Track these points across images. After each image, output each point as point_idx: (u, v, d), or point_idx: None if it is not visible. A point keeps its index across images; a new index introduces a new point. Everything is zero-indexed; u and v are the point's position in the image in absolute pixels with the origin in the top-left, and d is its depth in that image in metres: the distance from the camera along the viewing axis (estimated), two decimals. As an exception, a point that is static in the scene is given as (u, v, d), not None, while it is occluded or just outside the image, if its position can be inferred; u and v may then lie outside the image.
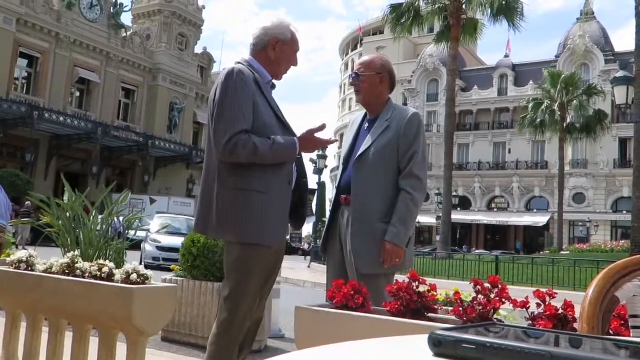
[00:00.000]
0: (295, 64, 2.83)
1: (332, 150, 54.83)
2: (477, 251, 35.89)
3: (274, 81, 2.82)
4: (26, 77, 36.59)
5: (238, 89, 2.57)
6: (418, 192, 2.90)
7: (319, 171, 26.31)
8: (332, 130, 75.62)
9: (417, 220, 3.11)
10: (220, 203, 2.58)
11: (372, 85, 3.04)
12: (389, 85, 3.11)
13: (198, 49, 47.60)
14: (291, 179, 2.70)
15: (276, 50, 2.74)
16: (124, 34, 41.87)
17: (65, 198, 3.94)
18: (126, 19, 43.77)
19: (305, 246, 38.93)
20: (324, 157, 26.08)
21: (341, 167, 3.13)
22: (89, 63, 38.66)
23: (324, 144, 2.88)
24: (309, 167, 24.99)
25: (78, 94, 39.56)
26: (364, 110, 3.19)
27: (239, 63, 2.73)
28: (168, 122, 43.46)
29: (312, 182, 27.23)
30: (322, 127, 2.74)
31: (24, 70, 36.37)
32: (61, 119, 33.96)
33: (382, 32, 58.99)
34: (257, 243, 2.57)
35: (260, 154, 2.52)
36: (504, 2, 24.07)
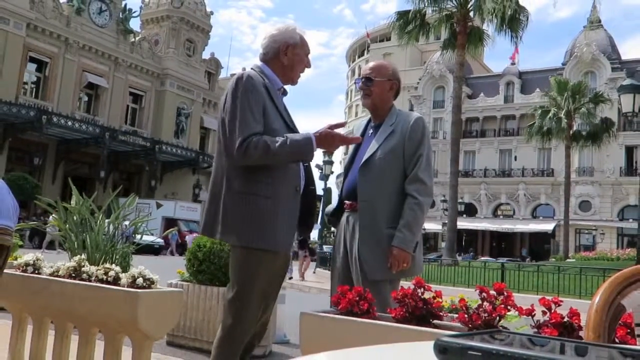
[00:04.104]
0: (308, 65, 2.82)
1: (338, 156, 54.77)
2: (482, 258, 35.76)
3: (289, 87, 2.81)
4: (35, 82, 36.81)
5: (248, 93, 2.56)
6: (423, 196, 2.90)
7: (325, 177, 26.14)
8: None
9: (422, 227, 3.10)
10: (226, 206, 2.57)
11: (382, 90, 3.05)
12: (395, 92, 3.12)
13: (206, 55, 47.85)
14: (298, 185, 2.67)
15: (288, 55, 2.73)
16: (133, 39, 42.09)
17: (73, 202, 3.95)
18: (135, 24, 44.11)
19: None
20: (331, 162, 25.95)
21: (344, 174, 3.13)
22: (98, 68, 38.89)
23: (345, 142, 2.66)
24: (315, 173, 24.88)
25: (86, 98, 39.78)
26: (369, 117, 3.20)
27: (251, 69, 2.72)
28: (175, 127, 43.62)
29: (318, 189, 27.21)
30: (341, 124, 2.65)
31: (33, 74, 36.59)
32: (69, 123, 34.18)
33: (389, 39, 59.00)
34: (259, 247, 2.54)
35: (272, 152, 2.46)
36: (510, 12, 24.00)
